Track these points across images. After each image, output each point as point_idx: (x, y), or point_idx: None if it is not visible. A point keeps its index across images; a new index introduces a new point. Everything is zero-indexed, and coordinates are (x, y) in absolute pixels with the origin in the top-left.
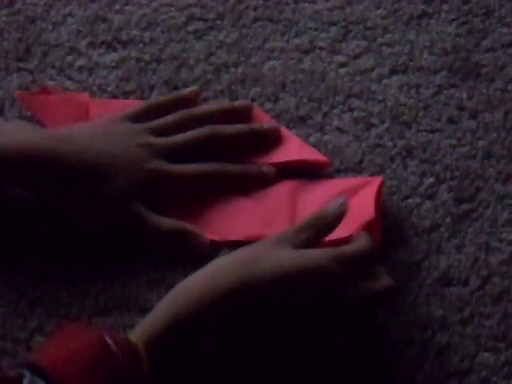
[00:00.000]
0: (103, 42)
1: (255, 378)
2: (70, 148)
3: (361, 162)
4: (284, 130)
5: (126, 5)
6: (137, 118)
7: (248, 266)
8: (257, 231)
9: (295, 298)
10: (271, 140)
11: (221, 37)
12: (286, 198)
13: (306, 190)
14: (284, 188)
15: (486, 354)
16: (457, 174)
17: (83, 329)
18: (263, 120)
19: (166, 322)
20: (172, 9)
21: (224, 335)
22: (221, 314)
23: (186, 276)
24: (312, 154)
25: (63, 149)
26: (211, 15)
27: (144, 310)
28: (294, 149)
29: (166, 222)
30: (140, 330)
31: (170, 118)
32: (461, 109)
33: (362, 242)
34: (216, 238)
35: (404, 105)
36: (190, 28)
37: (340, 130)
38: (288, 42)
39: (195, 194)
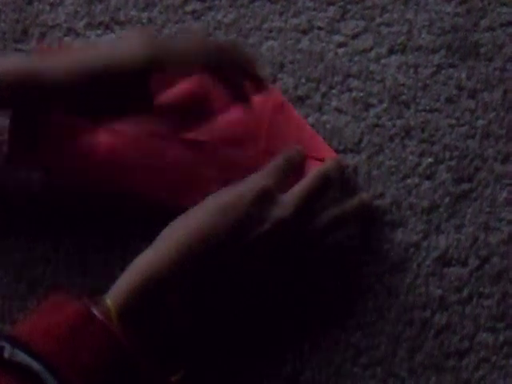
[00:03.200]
0: (101, 23)
1: (231, 336)
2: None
3: (359, 142)
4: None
5: None
6: None
7: (220, 215)
8: None
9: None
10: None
11: (219, 17)
12: None
13: None
14: None
15: (484, 334)
16: (456, 153)
17: (64, 300)
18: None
19: (138, 283)
20: None
21: (197, 288)
22: (192, 267)
23: None
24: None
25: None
26: None
27: None
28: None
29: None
30: (113, 294)
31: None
32: (460, 88)
33: (310, 178)
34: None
35: (403, 85)
36: (188, 8)
37: (338, 110)
38: (286, 21)
39: None
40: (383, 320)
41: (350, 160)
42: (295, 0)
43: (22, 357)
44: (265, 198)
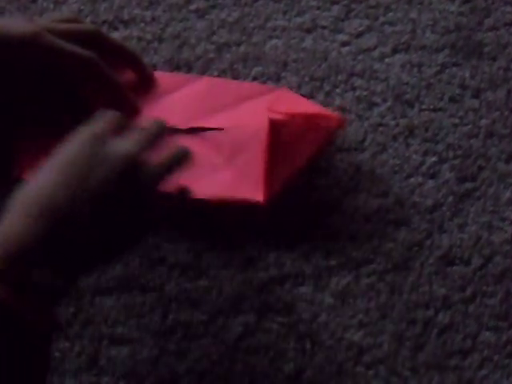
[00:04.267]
0: (105, 22)
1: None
2: None
3: (363, 140)
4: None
5: None
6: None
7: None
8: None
9: None
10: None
11: (222, 16)
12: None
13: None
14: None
15: (487, 333)
16: (459, 152)
17: None
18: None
19: (26, 226)
20: None
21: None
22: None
23: (187, 255)
24: (324, 111)
25: None
26: None
27: (145, 290)
28: (306, 103)
29: (83, 50)
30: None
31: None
32: (463, 87)
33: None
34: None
35: (406, 84)
36: (192, 7)
37: (342, 108)
38: (290, 20)
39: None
40: (386, 319)
41: (354, 158)
42: None
43: None
44: (129, 167)
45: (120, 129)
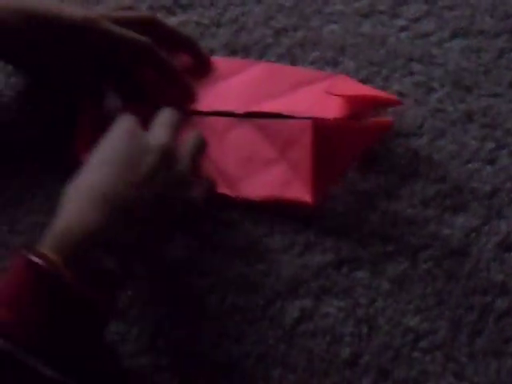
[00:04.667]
0: (163, 6)
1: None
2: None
3: (421, 126)
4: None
5: None
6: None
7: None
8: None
9: None
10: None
11: (280, 0)
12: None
13: None
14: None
15: None
16: None
17: (10, 264)
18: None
19: (80, 219)
20: None
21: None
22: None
23: (245, 240)
24: (381, 93)
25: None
26: None
27: (204, 273)
28: (363, 87)
29: (139, 36)
30: (54, 241)
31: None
32: None
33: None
34: (229, 192)
35: (465, 69)
36: None
37: (400, 94)
38: (348, 5)
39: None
40: (443, 305)
41: (412, 144)
42: None
43: None
44: (168, 154)
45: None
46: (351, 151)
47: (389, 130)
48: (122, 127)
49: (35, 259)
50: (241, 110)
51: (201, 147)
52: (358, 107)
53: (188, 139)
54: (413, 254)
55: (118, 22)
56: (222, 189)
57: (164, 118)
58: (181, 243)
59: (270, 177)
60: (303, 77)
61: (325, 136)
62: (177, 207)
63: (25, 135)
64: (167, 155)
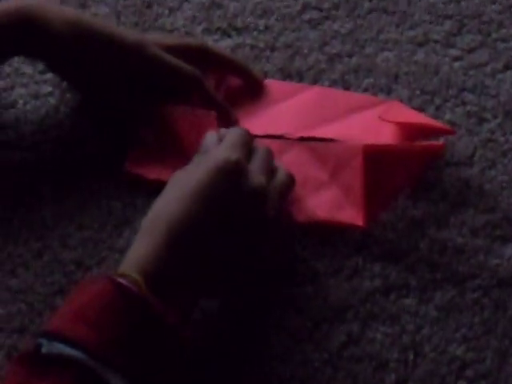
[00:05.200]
0: (218, 29)
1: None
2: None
3: (472, 156)
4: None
5: None
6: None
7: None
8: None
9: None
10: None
11: (335, 27)
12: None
13: None
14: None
15: None
16: None
17: (91, 282)
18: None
19: (159, 250)
20: None
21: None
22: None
23: (294, 262)
24: (434, 122)
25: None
26: (326, 5)
27: (251, 294)
28: (416, 115)
29: (186, 66)
30: (135, 266)
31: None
32: None
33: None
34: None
35: None
36: (305, 17)
37: (452, 123)
38: (402, 33)
39: None
40: (490, 334)
41: (463, 173)
42: (412, 12)
43: (60, 347)
44: (238, 171)
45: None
46: (403, 175)
47: (440, 155)
48: (223, 156)
49: (123, 281)
50: (292, 134)
51: (290, 185)
52: (411, 134)
53: (276, 176)
54: (461, 282)
55: (170, 48)
56: None
57: (260, 157)
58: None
59: (321, 200)
60: (356, 102)
61: (375, 160)
62: (266, 254)
63: (78, 151)
64: (260, 200)
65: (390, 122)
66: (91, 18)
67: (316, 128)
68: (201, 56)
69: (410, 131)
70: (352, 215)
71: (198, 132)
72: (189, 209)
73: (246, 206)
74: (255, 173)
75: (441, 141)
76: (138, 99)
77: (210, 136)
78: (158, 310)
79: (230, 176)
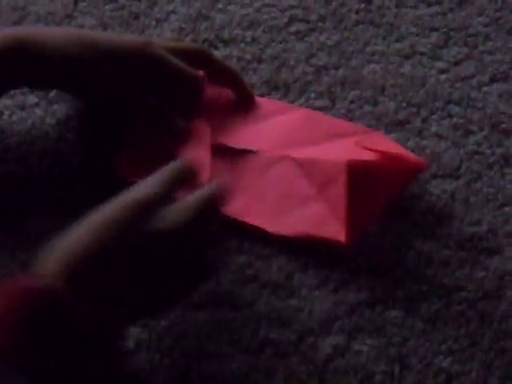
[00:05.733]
0: (205, 40)
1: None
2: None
3: (458, 168)
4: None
5: (229, 4)
6: None
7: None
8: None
9: None
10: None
11: (322, 39)
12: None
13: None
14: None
15: None
16: None
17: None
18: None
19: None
20: (274, 9)
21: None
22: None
23: (279, 274)
24: (411, 155)
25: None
26: (313, 17)
27: (236, 307)
28: (394, 145)
29: (189, 68)
30: (56, 265)
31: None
32: None
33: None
34: (265, 227)
35: (503, 113)
36: (292, 29)
37: (438, 135)
38: (389, 46)
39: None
40: (476, 346)
41: (448, 186)
42: (398, 25)
43: None
44: (144, 210)
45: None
46: (387, 191)
47: (424, 171)
48: (134, 195)
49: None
50: (268, 152)
51: (213, 198)
52: (388, 164)
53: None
54: (446, 294)
55: (173, 50)
56: (259, 222)
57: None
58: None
59: (306, 214)
60: (340, 128)
61: (359, 176)
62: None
63: (64, 163)
64: (175, 243)
65: (368, 149)
66: (84, 30)
67: (296, 149)
68: (200, 61)
69: (389, 161)
70: (335, 231)
71: (189, 144)
72: (94, 239)
73: (152, 245)
74: (171, 214)
75: (427, 155)
76: (141, 100)
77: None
78: (70, 306)
79: (134, 212)
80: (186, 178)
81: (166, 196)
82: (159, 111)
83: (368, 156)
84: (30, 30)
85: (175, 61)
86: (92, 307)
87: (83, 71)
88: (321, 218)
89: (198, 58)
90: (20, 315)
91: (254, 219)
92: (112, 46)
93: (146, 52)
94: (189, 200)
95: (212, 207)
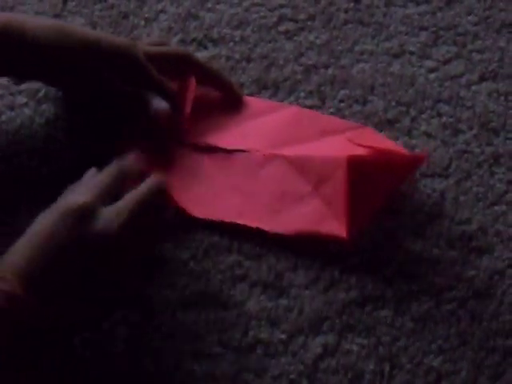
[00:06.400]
0: (194, 40)
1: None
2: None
3: (448, 167)
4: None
5: (218, 3)
6: None
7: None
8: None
9: None
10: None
11: (311, 38)
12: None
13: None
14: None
15: None
16: None
17: None
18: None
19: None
20: (263, 9)
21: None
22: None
23: (269, 273)
24: (403, 150)
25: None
26: (302, 16)
27: (226, 306)
28: (387, 142)
29: (164, 81)
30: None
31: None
32: None
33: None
34: (262, 226)
35: (493, 112)
36: (281, 28)
37: (428, 134)
38: (378, 45)
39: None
40: (466, 345)
41: (438, 185)
42: (388, 24)
43: None
44: (82, 215)
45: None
46: (385, 185)
47: (423, 163)
48: (68, 203)
49: None
50: (260, 151)
51: (149, 194)
52: (380, 159)
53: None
54: (437, 294)
55: (154, 57)
56: (255, 223)
57: (100, 174)
58: (203, 276)
59: (303, 211)
60: (331, 125)
61: (359, 171)
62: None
63: (53, 162)
64: (79, 217)
65: (359, 145)
66: (72, 24)
67: (287, 147)
68: (185, 65)
69: (383, 156)
70: (335, 227)
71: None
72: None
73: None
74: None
75: (422, 151)
76: (124, 103)
77: (87, 174)
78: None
79: (66, 220)
80: (128, 177)
81: (105, 196)
82: (137, 97)
83: (361, 152)
84: (13, 17)
85: (152, 72)
86: (44, 305)
87: (61, 61)
88: (319, 214)
89: (183, 62)
90: None
91: (250, 221)
92: (95, 41)
93: (128, 53)
94: (124, 200)
95: (150, 204)
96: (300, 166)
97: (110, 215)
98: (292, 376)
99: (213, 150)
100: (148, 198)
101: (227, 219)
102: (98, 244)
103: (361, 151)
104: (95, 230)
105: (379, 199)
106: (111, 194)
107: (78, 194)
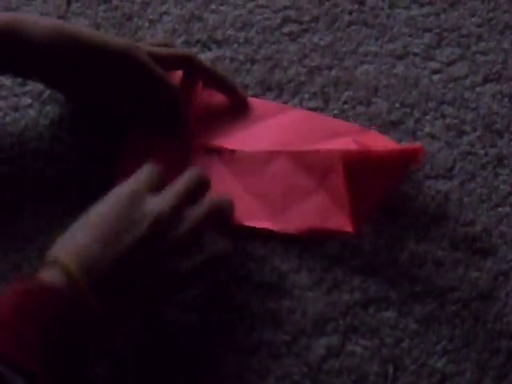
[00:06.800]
0: (198, 41)
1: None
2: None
3: (452, 168)
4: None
5: (222, 5)
6: None
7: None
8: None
9: None
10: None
11: (315, 39)
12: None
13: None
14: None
15: None
16: None
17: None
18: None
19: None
20: (267, 10)
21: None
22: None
23: (272, 275)
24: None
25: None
26: (306, 18)
27: (229, 308)
28: (392, 143)
29: (169, 80)
30: (71, 263)
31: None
32: None
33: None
34: (271, 226)
35: (497, 113)
36: (285, 30)
37: (432, 136)
38: (382, 46)
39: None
40: (469, 347)
41: (442, 186)
42: (391, 25)
43: None
44: (135, 200)
45: (159, 184)
46: (386, 178)
47: (420, 157)
48: (129, 186)
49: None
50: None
51: (215, 209)
52: (385, 159)
53: (204, 200)
54: (440, 295)
55: (158, 58)
56: (263, 223)
57: (179, 183)
58: (207, 277)
59: (309, 207)
60: (336, 128)
61: (355, 165)
62: (176, 273)
63: (58, 164)
64: (159, 224)
65: (360, 143)
66: (74, 25)
67: (290, 146)
68: (188, 67)
69: (374, 152)
70: (341, 221)
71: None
72: (87, 238)
73: (141, 234)
74: (160, 197)
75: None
76: (128, 104)
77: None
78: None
79: (132, 200)
80: (200, 190)
81: (180, 208)
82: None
83: (355, 147)
84: (16, 16)
85: (158, 70)
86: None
87: (61, 62)
88: (325, 209)
89: (187, 64)
90: (41, 317)
91: (257, 222)
92: (97, 43)
93: (130, 56)
94: (192, 212)
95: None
96: (303, 161)
97: (191, 219)
98: (295, 377)
99: (218, 151)
100: (212, 213)
101: (238, 222)
102: (176, 249)
103: (354, 146)
104: (149, 212)
105: (381, 191)
106: (188, 202)
107: (159, 200)
